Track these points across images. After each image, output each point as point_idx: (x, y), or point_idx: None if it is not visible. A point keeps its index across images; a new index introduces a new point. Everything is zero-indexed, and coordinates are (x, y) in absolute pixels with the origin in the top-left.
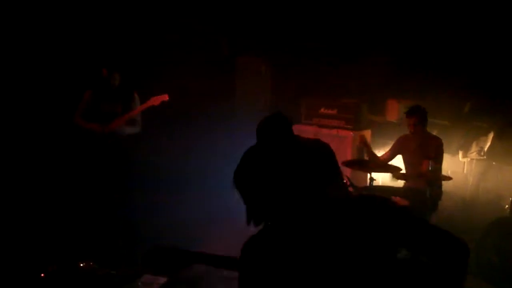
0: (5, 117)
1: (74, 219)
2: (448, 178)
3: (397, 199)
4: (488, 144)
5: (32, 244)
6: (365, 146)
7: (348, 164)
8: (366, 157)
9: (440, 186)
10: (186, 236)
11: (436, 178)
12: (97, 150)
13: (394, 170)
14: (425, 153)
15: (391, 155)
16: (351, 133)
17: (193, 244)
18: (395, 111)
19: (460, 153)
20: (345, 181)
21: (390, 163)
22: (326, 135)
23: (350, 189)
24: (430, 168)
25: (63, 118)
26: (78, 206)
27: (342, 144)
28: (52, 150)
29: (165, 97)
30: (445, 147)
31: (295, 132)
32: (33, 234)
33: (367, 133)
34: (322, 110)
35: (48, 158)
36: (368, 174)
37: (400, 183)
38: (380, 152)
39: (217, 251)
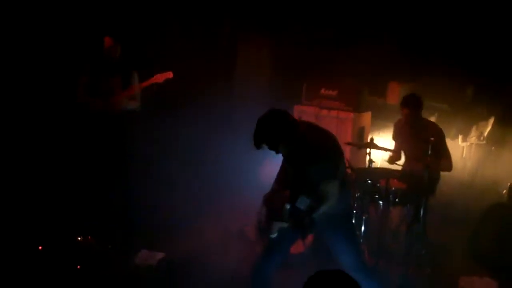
0: (4, 91)
1: (73, 194)
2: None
3: (394, 182)
4: (488, 129)
5: (31, 217)
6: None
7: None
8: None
9: (438, 171)
10: (180, 214)
11: (436, 163)
12: (96, 125)
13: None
14: (422, 137)
15: (398, 144)
16: (352, 114)
17: (186, 222)
18: (395, 93)
19: (460, 138)
20: None
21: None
22: (326, 116)
23: (349, 170)
24: (429, 152)
25: (62, 92)
26: (77, 181)
27: (342, 126)
28: (51, 124)
29: (170, 75)
30: (444, 131)
31: (296, 113)
32: (32, 208)
33: (367, 115)
34: (322, 91)
35: (48, 133)
36: (367, 156)
37: (398, 166)
38: (379, 134)
39: (209, 230)
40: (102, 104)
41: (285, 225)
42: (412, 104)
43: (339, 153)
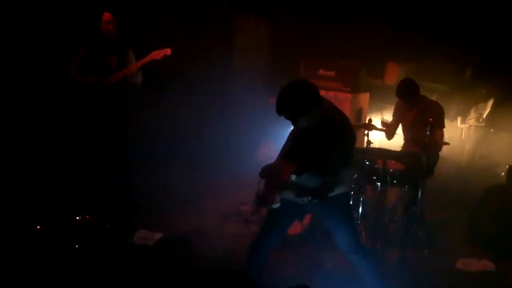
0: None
1: (71, 173)
2: (445, 143)
3: (392, 163)
4: (487, 110)
5: (29, 197)
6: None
7: None
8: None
9: (438, 151)
10: (178, 194)
11: (434, 143)
12: (94, 104)
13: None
14: (423, 118)
15: (395, 122)
16: (349, 95)
17: (184, 202)
18: (394, 74)
19: (459, 119)
20: None
21: None
22: (324, 97)
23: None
24: (428, 133)
25: (59, 71)
26: (75, 160)
27: (340, 106)
28: (48, 103)
29: (168, 51)
30: (446, 112)
31: None
32: (30, 187)
33: (365, 96)
34: (320, 71)
35: (44, 112)
36: (365, 137)
37: (397, 146)
38: (378, 116)
39: (206, 210)
40: (98, 81)
41: (288, 195)
42: (407, 94)
43: (355, 138)
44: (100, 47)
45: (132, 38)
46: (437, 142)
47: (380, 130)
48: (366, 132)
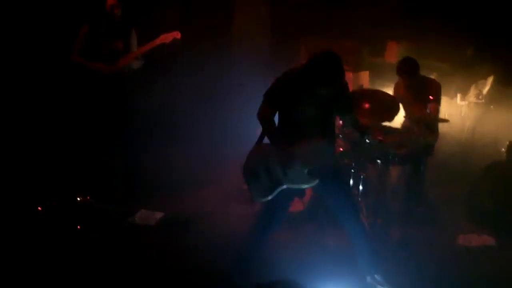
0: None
1: (72, 154)
2: (445, 121)
3: (392, 139)
4: (487, 88)
5: (30, 178)
6: None
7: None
8: None
9: (437, 129)
10: (179, 173)
11: (434, 120)
12: (98, 88)
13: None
14: (422, 96)
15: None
16: (350, 74)
17: (185, 181)
18: (394, 53)
19: (458, 96)
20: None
21: None
22: None
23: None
24: (428, 111)
25: (61, 53)
26: (76, 141)
27: None
28: (51, 85)
29: (177, 35)
30: (443, 90)
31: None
32: (31, 169)
33: (365, 75)
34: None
35: (47, 94)
36: None
37: (397, 124)
38: None
39: (208, 189)
40: (107, 69)
41: None
42: (407, 71)
43: None
44: (104, 30)
45: (135, 20)
46: (431, 115)
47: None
48: None
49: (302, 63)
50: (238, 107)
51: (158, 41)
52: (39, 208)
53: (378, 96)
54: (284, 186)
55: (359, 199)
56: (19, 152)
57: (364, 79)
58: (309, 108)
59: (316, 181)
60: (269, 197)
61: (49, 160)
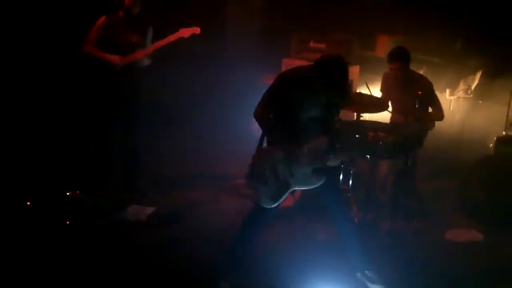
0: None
1: (63, 148)
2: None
3: (381, 134)
4: (476, 82)
5: (19, 172)
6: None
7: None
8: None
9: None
10: (172, 168)
11: (439, 118)
12: (106, 80)
13: (380, 109)
14: (410, 91)
15: (384, 95)
16: None
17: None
18: (384, 46)
19: (447, 91)
20: None
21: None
22: None
23: (337, 124)
24: (416, 106)
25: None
26: (68, 135)
27: None
28: (52, 77)
29: (196, 30)
30: (433, 84)
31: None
32: (20, 163)
33: (356, 69)
34: (311, 44)
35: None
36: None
37: (386, 118)
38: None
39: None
40: (119, 61)
41: None
42: (400, 58)
43: None
44: (121, 23)
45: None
46: (439, 116)
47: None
48: None
49: (304, 64)
50: (231, 103)
51: (176, 36)
52: (28, 202)
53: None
54: (293, 188)
55: (349, 194)
56: (9, 146)
57: (355, 74)
58: (313, 108)
59: (323, 181)
60: (280, 201)
61: (39, 154)
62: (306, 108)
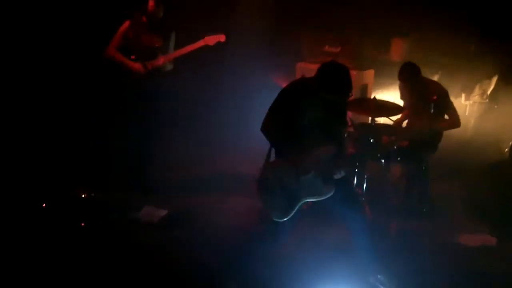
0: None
1: (79, 150)
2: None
3: (396, 139)
4: (491, 87)
5: (35, 175)
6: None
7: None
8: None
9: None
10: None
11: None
12: (127, 85)
13: (393, 114)
14: (424, 96)
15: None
16: (354, 72)
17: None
18: (399, 50)
19: (463, 96)
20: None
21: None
22: None
23: (351, 128)
24: (432, 111)
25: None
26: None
27: None
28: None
29: (222, 38)
30: (448, 88)
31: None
32: (36, 165)
33: (370, 73)
34: (326, 48)
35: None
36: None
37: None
38: (383, 92)
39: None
40: (142, 69)
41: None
42: (409, 76)
43: None
44: (145, 28)
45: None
46: (455, 123)
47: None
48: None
49: (305, 76)
50: (240, 105)
51: (200, 43)
52: (43, 204)
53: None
54: (304, 200)
55: (363, 198)
56: (25, 148)
57: (369, 78)
58: (317, 118)
59: (333, 191)
60: (291, 214)
61: (55, 157)
62: (311, 118)
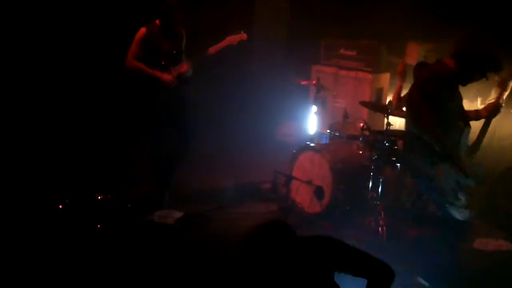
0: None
1: (94, 152)
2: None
3: None
4: (508, 91)
5: (51, 176)
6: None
7: (364, 104)
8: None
9: None
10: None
11: None
12: (154, 92)
13: None
14: None
15: None
16: (370, 75)
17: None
18: (415, 54)
19: (479, 100)
20: (361, 124)
21: None
22: (345, 76)
23: (366, 132)
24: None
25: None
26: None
27: (360, 86)
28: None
29: (244, 36)
30: (463, 93)
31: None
32: (52, 167)
33: (386, 76)
34: (341, 51)
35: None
36: (385, 119)
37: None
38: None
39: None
40: (172, 80)
41: None
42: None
43: None
44: (160, 33)
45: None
46: None
47: (396, 115)
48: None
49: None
50: (257, 109)
51: (224, 43)
52: (60, 205)
53: None
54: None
55: (378, 202)
56: (42, 150)
57: (385, 81)
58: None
59: None
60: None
61: (70, 159)
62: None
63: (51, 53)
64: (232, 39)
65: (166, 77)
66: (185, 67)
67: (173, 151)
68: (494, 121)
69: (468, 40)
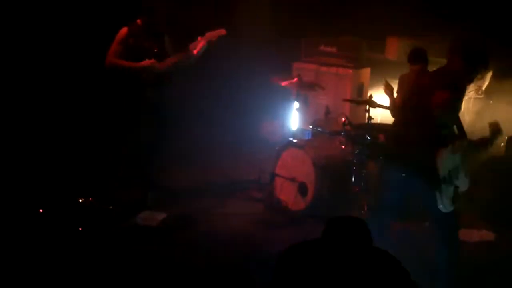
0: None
1: (75, 155)
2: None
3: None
4: (486, 83)
5: (31, 180)
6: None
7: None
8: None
9: None
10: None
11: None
12: (133, 91)
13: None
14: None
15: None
16: (351, 71)
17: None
18: (394, 49)
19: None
20: (343, 119)
21: None
22: (326, 73)
23: (348, 127)
24: None
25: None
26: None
27: (341, 82)
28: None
29: (222, 32)
30: None
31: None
32: (33, 170)
33: (366, 72)
34: (321, 47)
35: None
36: (367, 113)
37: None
38: (379, 91)
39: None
40: (156, 64)
41: None
42: (423, 60)
43: None
44: (142, 32)
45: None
46: None
47: (380, 106)
48: (367, 108)
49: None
50: (240, 107)
51: (204, 40)
52: (40, 209)
53: None
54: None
55: (361, 195)
56: (22, 153)
57: (365, 76)
58: None
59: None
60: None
61: (51, 162)
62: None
63: (35, 55)
64: (211, 35)
65: (146, 62)
66: (166, 63)
67: (150, 147)
68: (474, 113)
69: (470, 37)
